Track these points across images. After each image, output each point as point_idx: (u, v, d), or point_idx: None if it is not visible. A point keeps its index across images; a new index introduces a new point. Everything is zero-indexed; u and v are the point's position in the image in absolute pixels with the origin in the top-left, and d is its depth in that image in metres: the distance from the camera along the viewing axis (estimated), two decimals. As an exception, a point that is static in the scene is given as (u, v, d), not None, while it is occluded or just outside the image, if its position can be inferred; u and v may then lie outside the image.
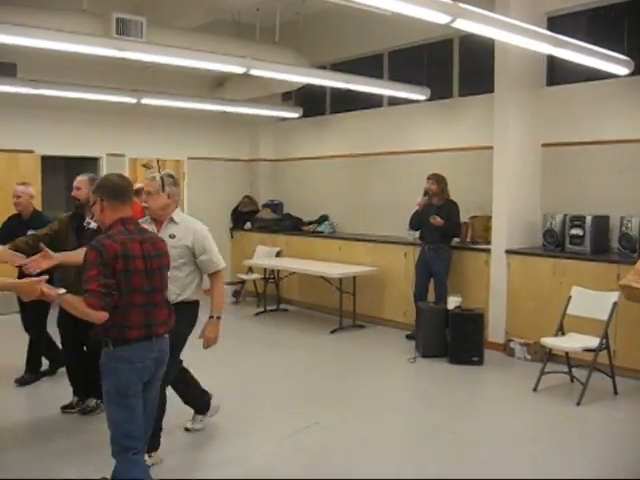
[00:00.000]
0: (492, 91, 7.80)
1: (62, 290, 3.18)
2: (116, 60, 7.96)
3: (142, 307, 3.33)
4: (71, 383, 5.68)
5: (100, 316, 3.14)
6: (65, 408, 5.56)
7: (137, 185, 9.07)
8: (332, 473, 4.43)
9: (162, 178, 4.44)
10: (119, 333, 3.27)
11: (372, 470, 4.47)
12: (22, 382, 6.27)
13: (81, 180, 5.42)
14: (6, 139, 9.39)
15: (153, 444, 4.29)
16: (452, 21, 4.86)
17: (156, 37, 7.44)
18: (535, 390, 6.15)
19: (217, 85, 11.01)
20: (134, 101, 9.11)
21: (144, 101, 9.19)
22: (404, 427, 5.43)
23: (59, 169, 10.98)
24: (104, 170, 10.43)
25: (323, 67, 10.32)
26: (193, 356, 4.73)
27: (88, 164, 10.38)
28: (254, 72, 7.50)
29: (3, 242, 5.17)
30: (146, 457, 3.89)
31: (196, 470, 4.52)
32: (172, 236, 4.37)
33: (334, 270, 8.86)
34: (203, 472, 4.48)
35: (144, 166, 9.03)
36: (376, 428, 5.31)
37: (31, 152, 9.20)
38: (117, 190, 3.40)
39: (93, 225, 5.07)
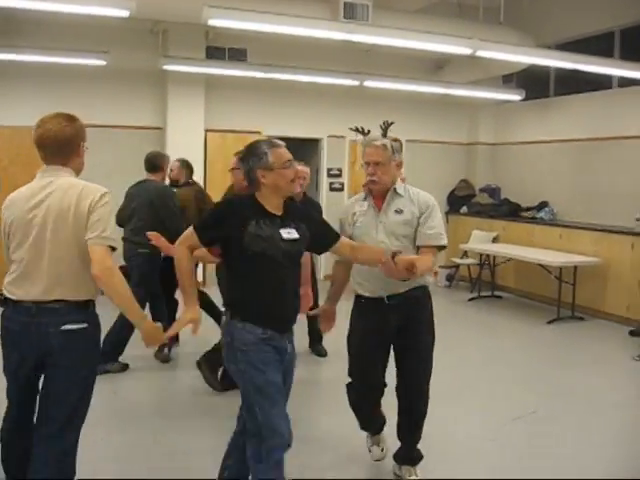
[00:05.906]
0: None
1: None
2: (340, 44, 8.19)
3: None
4: None
5: None
6: None
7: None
8: (544, 464, 4.27)
9: (391, 144, 3.75)
10: None
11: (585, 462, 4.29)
12: None
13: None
14: (237, 120, 9.99)
15: None
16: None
17: (381, 20, 7.56)
18: None
19: (437, 68, 10.96)
20: (357, 84, 9.29)
21: (367, 84, 9.34)
22: (625, 425, 5.15)
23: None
24: (325, 151, 10.78)
25: (547, 47, 9.89)
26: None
27: (309, 145, 10.78)
28: (480, 53, 7.40)
29: None
30: None
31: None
32: (399, 211, 3.71)
33: (554, 258, 8.53)
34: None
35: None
36: (595, 423, 5.04)
37: (259, 133, 9.65)
38: None
39: None
